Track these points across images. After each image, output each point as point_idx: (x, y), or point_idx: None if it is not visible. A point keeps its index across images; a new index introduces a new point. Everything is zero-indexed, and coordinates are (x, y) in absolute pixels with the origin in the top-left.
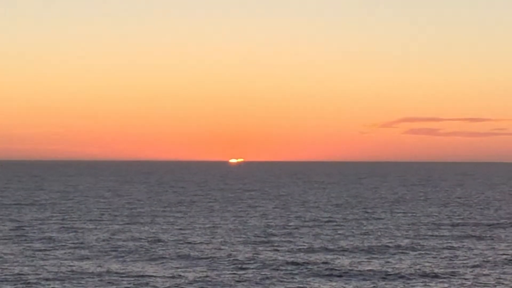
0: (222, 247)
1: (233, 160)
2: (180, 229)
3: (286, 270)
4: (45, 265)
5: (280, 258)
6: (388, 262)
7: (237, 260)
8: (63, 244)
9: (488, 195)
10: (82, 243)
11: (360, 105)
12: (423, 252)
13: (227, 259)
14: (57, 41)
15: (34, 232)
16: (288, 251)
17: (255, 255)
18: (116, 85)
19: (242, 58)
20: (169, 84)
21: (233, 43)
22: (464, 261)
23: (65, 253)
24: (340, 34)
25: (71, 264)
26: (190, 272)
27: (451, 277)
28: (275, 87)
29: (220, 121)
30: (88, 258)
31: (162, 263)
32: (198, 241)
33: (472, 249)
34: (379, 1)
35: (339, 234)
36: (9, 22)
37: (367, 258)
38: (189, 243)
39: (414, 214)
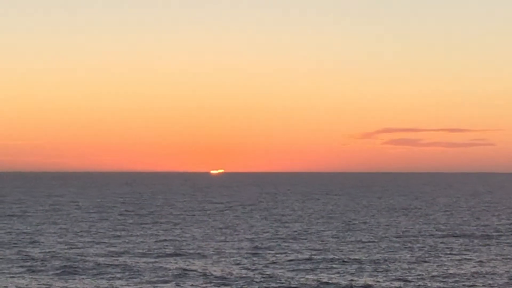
0: (214, 260)
1: (214, 171)
2: (171, 240)
3: (275, 284)
4: (40, 278)
5: (269, 271)
6: (375, 274)
7: (227, 274)
8: (55, 256)
9: (471, 206)
10: (70, 256)
11: (339, 115)
12: (410, 264)
13: (220, 273)
14: (36, 51)
15: (28, 245)
16: (276, 263)
17: (244, 268)
18: (95, 96)
19: (223, 69)
20: (148, 95)
21: (214, 55)
22: (453, 272)
23: (54, 266)
24: (319, 45)
25: (63, 278)
26: (181, 287)
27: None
28: (256, 98)
29: (199, 132)
30: (74, 273)
31: (155, 277)
32: (190, 253)
33: (461, 260)
34: (359, 13)
35: (324, 246)
36: None
37: (353, 271)
38: (181, 255)
39: (399, 225)
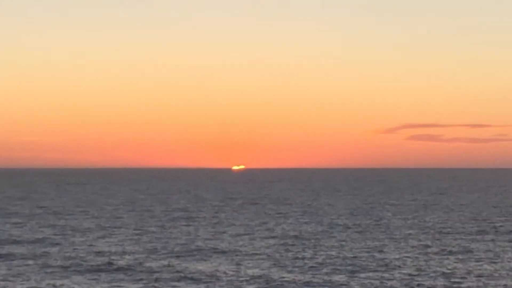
0: (240, 259)
1: (235, 167)
2: (201, 239)
3: (303, 283)
4: (71, 276)
5: (298, 269)
6: (406, 271)
7: (256, 272)
8: (87, 253)
9: (499, 202)
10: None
11: (362, 111)
12: (443, 261)
13: (249, 272)
14: (53, 47)
15: (58, 243)
16: (304, 259)
17: (274, 266)
18: (117, 92)
19: (243, 65)
20: (170, 91)
21: (235, 50)
22: (489, 268)
23: (86, 263)
24: (341, 40)
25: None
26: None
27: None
28: (277, 93)
29: (221, 128)
30: (102, 271)
31: (181, 276)
32: (221, 252)
33: (495, 257)
34: (382, 8)
35: (353, 243)
36: (5, 28)
37: (382, 268)
38: (210, 255)
39: (427, 221)
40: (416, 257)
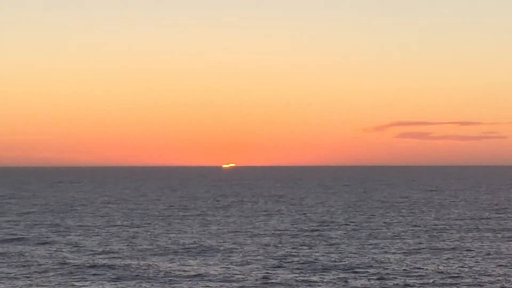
0: (234, 258)
1: (225, 165)
2: (192, 237)
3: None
4: (62, 275)
5: (294, 267)
6: (402, 268)
7: (246, 272)
8: (80, 252)
9: (491, 199)
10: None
11: (351, 109)
12: (440, 258)
13: (239, 272)
14: (47, 46)
15: (51, 242)
16: (296, 256)
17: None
18: (107, 91)
19: (235, 64)
20: (160, 90)
21: (227, 49)
22: (485, 267)
23: (79, 262)
24: (331, 39)
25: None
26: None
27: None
28: (267, 92)
29: (211, 126)
30: (94, 267)
31: (174, 275)
32: (211, 251)
33: (490, 254)
34: (370, 8)
35: (351, 241)
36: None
37: (379, 265)
38: (200, 253)
39: (421, 219)
40: (409, 254)
